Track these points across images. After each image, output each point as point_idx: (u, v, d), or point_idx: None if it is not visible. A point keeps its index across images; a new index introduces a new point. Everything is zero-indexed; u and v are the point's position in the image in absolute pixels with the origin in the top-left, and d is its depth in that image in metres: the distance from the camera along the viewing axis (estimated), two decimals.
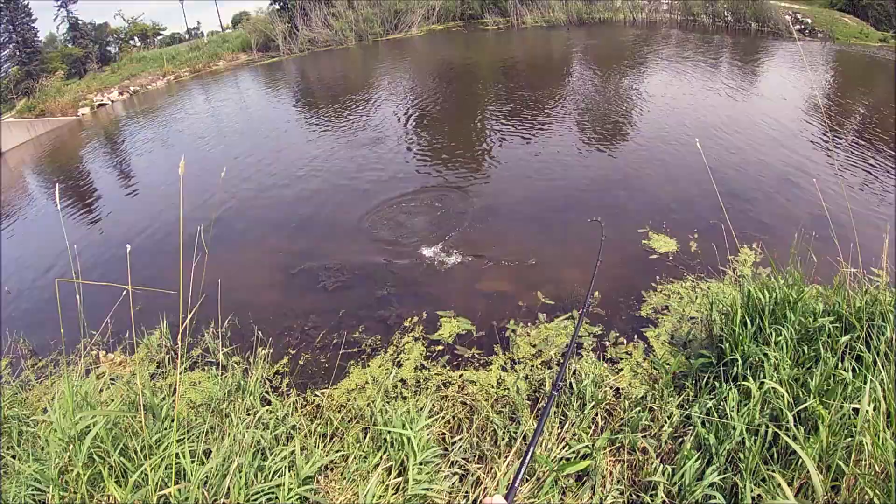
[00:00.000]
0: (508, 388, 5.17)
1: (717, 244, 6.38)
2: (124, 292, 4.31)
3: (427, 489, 3.91)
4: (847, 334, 4.55)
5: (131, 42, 37.04)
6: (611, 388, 5.09)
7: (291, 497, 3.77)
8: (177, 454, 3.79)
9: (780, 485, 3.22)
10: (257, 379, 5.12)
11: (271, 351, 5.98)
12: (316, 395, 5.26)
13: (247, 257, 8.28)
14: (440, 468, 4.17)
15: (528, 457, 2.30)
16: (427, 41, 26.76)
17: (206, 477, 3.73)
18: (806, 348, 4.56)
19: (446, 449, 4.40)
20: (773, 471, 3.57)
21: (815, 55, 21.90)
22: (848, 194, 9.28)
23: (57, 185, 4.05)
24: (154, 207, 11.29)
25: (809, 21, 27.79)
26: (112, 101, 22.06)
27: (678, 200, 8.77)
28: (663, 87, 16.56)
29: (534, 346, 5.85)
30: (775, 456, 3.79)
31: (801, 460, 3.54)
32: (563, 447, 4.27)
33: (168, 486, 3.53)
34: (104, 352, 6.10)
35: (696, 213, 7.92)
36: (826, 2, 32.06)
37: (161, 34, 40.07)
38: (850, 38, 26.07)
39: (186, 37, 41.55)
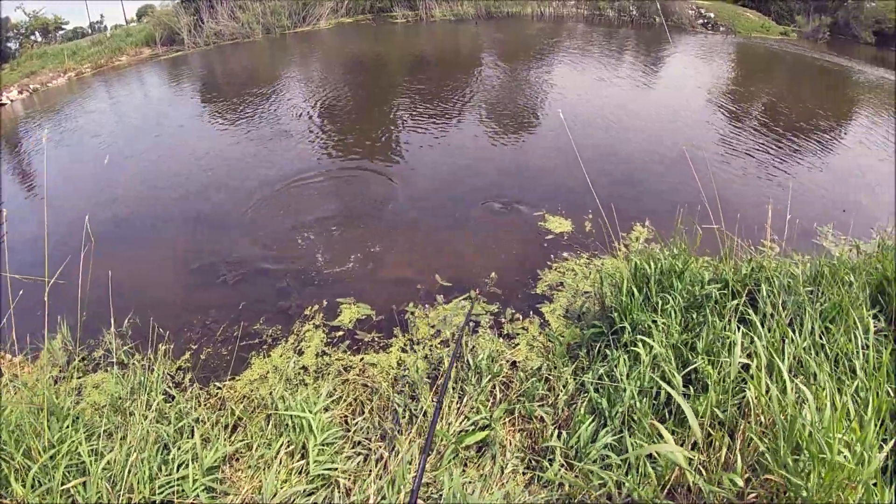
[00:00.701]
0: (408, 369, 5.22)
1: (610, 223, 6.55)
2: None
3: (329, 469, 3.89)
4: (734, 300, 4.73)
5: (32, 37, 35.15)
6: (507, 361, 5.19)
7: (196, 488, 3.73)
8: (78, 452, 3.76)
9: (660, 433, 3.30)
10: (159, 376, 5.00)
11: (172, 347, 5.81)
12: (218, 388, 5.15)
13: (146, 255, 7.97)
14: (343, 449, 4.17)
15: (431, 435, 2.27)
16: (335, 34, 26.50)
17: (110, 473, 3.67)
18: (695, 314, 4.74)
19: (349, 430, 4.40)
20: (654, 420, 3.69)
21: (716, 47, 22.79)
22: (738, 175, 9.76)
23: None
24: (50, 207, 10.75)
25: (712, 16, 28.88)
26: (11, 101, 20.88)
27: (576, 184, 8.94)
28: (567, 78, 16.87)
29: (432, 326, 5.90)
30: (668, 416, 3.93)
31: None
32: (463, 420, 4.32)
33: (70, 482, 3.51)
34: (2, 353, 5.79)
35: (592, 194, 8.16)
36: None
37: (63, 28, 38.07)
38: (751, 31, 27.23)
39: (89, 31, 39.67)
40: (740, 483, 3.19)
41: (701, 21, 28.42)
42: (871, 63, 22.16)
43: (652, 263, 5.17)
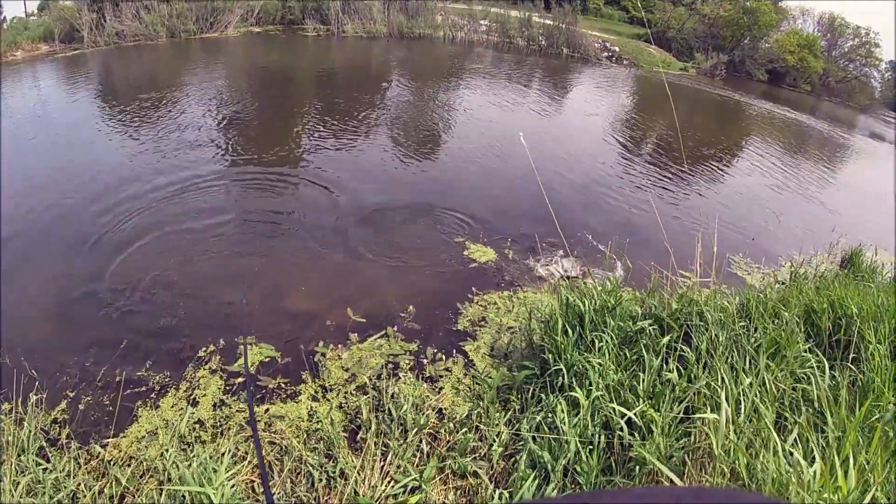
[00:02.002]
0: (321, 421, 4.59)
1: (532, 253, 6.26)
2: None
3: None
4: (666, 335, 4.51)
5: None
6: (433, 409, 4.70)
7: None
8: None
9: None
10: (31, 431, 4.25)
11: (46, 395, 4.92)
12: (100, 449, 4.36)
13: (14, 282, 6.91)
14: None
15: None
16: (244, 43, 25.63)
17: None
18: (627, 352, 4.51)
19: (258, 500, 3.79)
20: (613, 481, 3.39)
21: (619, 79, 23.44)
22: (654, 205, 9.76)
23: None
24: None
25: (617, 49, 29.94)
26: None
27: (495, 210, 8.75)
28: (476, 102, 16.86)
29: (346, 369, 5.30)
30: (614, 466, 3.64)
31: (641, 468, 3.46)
32: (389, 482, 3.81)
33: None
34: None
35: (511, 222, 7.88)
36: (633, 34, 34.91)
37: None
38: (653, 65, 28.29)
39: None
40: None
41: (606, 54, 29.36)
42: (762, 98, 23.39)
43: (585, 300, 4.86)
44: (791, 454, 3.12)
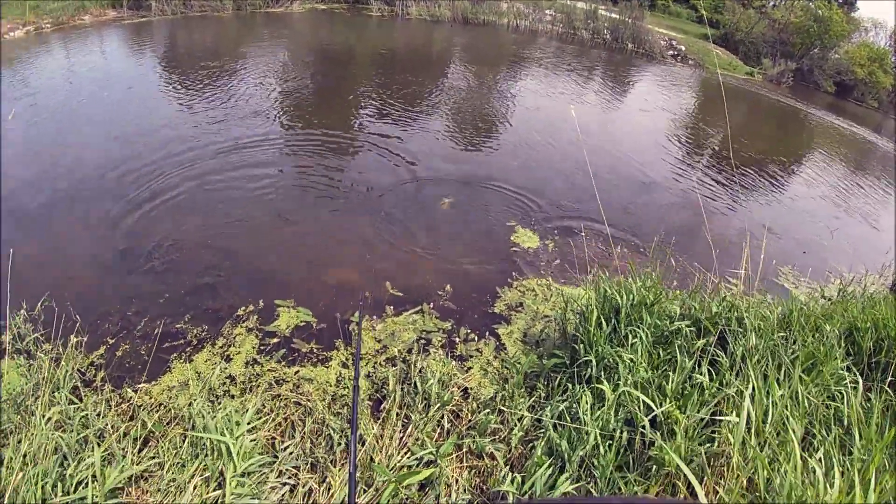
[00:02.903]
0: (348, 388, 4.68)
1: (576, 245, 6.21)
2: None
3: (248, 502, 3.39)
4: (703, 338, 4.43)
5: None
6: (458, 387, 4.74)
7: None
8: None
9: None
10: (67, 371, 4.41)
11: (87, 339, 5.11)
12: (132, 393, 4.51)
13: (68, 230, 7.11)
14: (267, 478, 3.65)
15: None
16: (308, 19, 25.77)
17: None
18: (661, 351, 4.42)
19: (276, 456, 3.86)
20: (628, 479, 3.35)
21: (683, 79, 22.96)
22: (704, 207, 9.58)
23: None
24: None
25: (683, 48, 29.28)
26: None
27: (542, 198, 8.69)
28: (535, 92, 16.70)
29: (379, 341, 5.38)
30: (631, 463, 3.60)
31: (659, 468, 3.41)
32: (406, 454, 3.85)
33: None
34: None
35: (558, 211, 7.82)
36: (701, 34, 34.08)
37: None
38: (718, 68, 27.63)
39: None
40: None
41: (671, 52, 28.75)
42: (827, 109, 22.67)
43: (624, 294, 4.79)
44: (813, 471, 3.05)
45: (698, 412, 3.65)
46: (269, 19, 25.15)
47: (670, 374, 4.07)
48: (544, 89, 17.24)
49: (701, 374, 4.00)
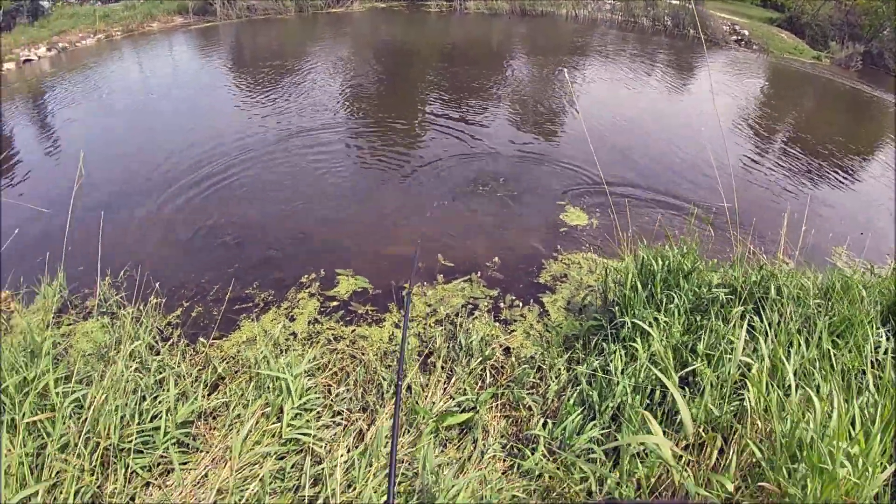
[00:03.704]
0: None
1: (623, 222, 6.41)
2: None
3: (304, 434, 3.78)
4: (740, 306, 4.57)
5: None
6: (500, 346, 5.04)
7: (167, 440, 3.64)
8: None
9: (650, 420, 3.18)
10: (147, 327, 4.91)
11: (164, 301, 5.70)
12: (205, 346, 5.02)
13: (152, 212, 7.78)
14: (321, 416, 4.06)
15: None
16: (368, 17, 26.31)
17: (82, 415, 3.58)
18: (699, 318, 4.58)
19: (331, 399, 4.27)
20: (644, 409, 3.57)
21: (747, 64, 22.51)
22: (758, 188, 9.61)
23: None
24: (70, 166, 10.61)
25: (746, 33, 28.54)
26: (39, 58, 20.81)
27: (599, 179, 8.84)
28: (595, 80, 16.74)
29: (429, 305, 5.76)
30: (659, 417, 3.75)
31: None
32: (448, 400, 4.19)
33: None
34: None
35: (613, 191, 8.02)
36: (765, 18, 33.11)
37: None
38: (784, 52, 26.86)
39: None
40: (730, 487, 3.05)
41: (735, 37, 28.09)
42: None
43: (660, 260, 5.00)
44: (829, 416, 3.20)
45: (728, 368, 3.80)
46: (331, 19, 25.78)
47: (703, 335, 4.26)
48: (606, 76, 17.25)
49: (736, 338, 4.06)
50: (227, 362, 4.76)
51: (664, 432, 3.53)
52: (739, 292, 4.76)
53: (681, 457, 3.40)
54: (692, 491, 3.03)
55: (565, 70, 9.57)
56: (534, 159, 10.05)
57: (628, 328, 4.53)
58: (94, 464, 3.40)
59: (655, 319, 4.47)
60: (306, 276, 6.23)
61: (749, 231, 6.54)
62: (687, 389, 3.94)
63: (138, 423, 3.67)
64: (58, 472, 3.29)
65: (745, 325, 4.10)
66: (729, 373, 3.78)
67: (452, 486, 3.32)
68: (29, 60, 20.70)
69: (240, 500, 3.31)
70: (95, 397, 3.66)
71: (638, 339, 4.27)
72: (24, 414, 3.45)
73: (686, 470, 3.29)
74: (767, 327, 4.29)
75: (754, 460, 3.28)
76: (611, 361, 4.24)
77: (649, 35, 26.51)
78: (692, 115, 14.08)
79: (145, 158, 9.44)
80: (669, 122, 13.35)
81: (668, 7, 28.88)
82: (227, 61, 17.53)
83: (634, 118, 13.09)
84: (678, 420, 3.57)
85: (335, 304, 5.76)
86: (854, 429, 3.12)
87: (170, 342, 5.03)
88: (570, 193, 8.54)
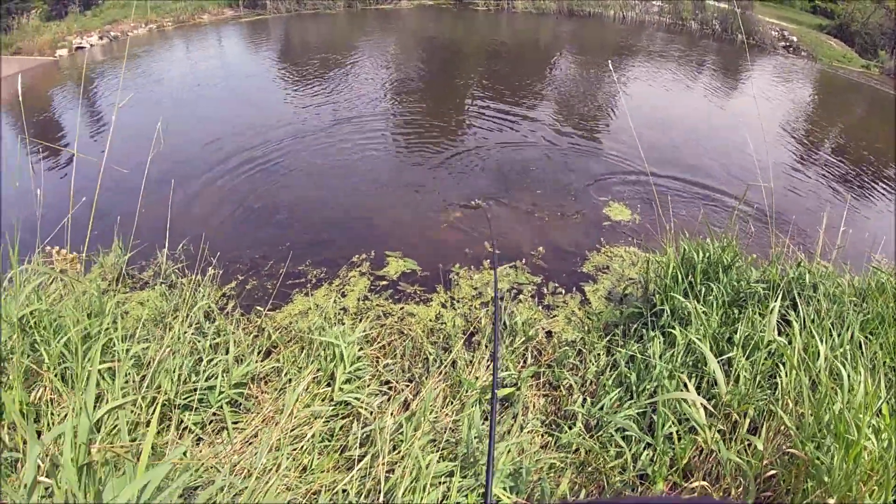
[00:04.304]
0: (445, 323, 5.33)
1: (665, 217, 6.53)
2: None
3: (354, 397, 4.00)
4: (777, 301, 4.67)
5: None
6: (542, 329, 5.23)
7: (221, 398, 3.87)
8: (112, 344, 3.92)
9: (686, 384, 3.34)
10: (203, 296, 5.18)
11: (221, 272, 6.02)
12: (258, 317, 5.30)
13: (215, 195, 8.17)
14: (369, 384, 4.28)
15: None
16: (415, 14, 26.57)
17: (141, 372, 3.81)
18: (737, 311, 4.70)
19: (378, 369, 4.51)
20: (682, 373, 3.72)
21: (795, 71, 22.25)
22: (801, 194, 9.63)
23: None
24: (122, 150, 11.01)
25: (795, 39, 28.16)
26: (91, 45, 21.37)
27: (643, 175, 8.95)
28: (644, 80, 16.79)
29: (475, 288, 6.00)
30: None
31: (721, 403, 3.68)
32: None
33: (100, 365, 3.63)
34: (58, 248, 5.98)
35: (657, 186, 8.13)
36: (815, 24, 32.59)
37: None
38: (832, 60, 26.45)
39: None
40: (760, 446, 3.20)
41: (783, 43, 27.74)
42: None
43: (701, 252, 5.15)
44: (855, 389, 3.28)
45: (762, 362, 3.93)
46: (379, 15, 26.10)
47: (739, 326, 4.39)
48: (651, 77, 17.27)
49: (770, 327, 4.18)
50: (280, 332, 5.00)
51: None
52: (776, 288, 4.86)
53: (712, 426, 3.54)
54: (724, 458, 3.20)
55: (611, 69, 9.62)
56: (578, 154, 10.24)
57: (667, 316, 4.69)
58: (150, 416, 3.58)
59: (694, 309, 4.61)
60: (357, 256, 6.52)
61: (787, 230, 6.63)
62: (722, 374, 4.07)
63: (194, 382, 3.91)
64: (115, 422, 3.43)
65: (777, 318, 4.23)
66: (762, 360, 3.91)
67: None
68: (81, 48, 21.31)
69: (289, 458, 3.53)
70: (155, 355, 3.90)
71: (676, 327, 4.41)
72: (90, 361, 3.67)
73: (718, 437, 3.44)
74: (802, 322, 4.38)
75: (784, 429, 3.41)
76: (649, 346, 4.39)
77: (697, 38, 26.33)
78: (738, 118, 14.04)
79: (199, 140, 9.87)
80: (714, 124, 13.40)
81: (717, 11, 28.61)
82: (277, 54, 17.94)
83: (679, 118, 13.17)
84: (711, 404, 3.70)
85: (384, 283, 6.04)
86: (882, 410, 3.23)
87: (225, 312, 5.32)
88: (613, 188, 8.70)
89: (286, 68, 15.70)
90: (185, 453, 3.43)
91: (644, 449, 3.61)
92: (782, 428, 3.42)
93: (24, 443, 3.08)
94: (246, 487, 3.05)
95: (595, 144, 10.83)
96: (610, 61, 9.79)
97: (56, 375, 3.63)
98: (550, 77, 16.29)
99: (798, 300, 4.71)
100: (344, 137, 10.23)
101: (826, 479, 2.92)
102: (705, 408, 3.52)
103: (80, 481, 2.24)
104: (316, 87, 13.50)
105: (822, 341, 3.86)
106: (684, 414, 3.62)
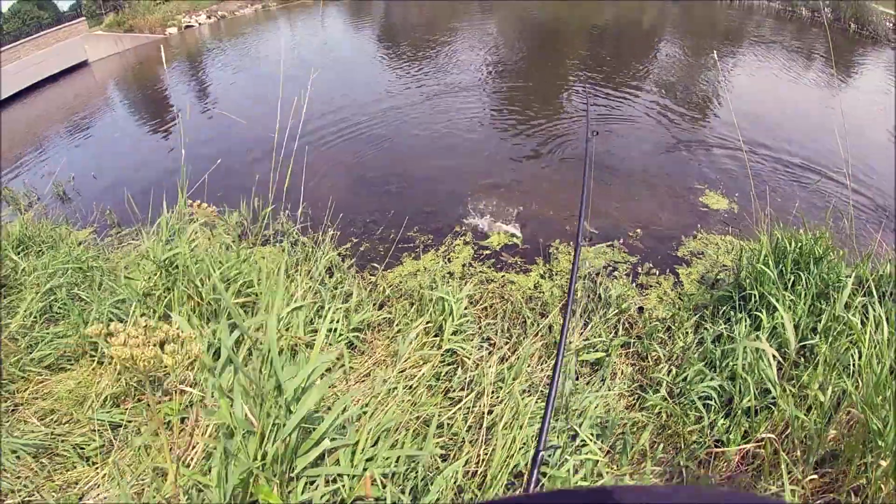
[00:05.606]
0: (543, 292, 5.77)
1: (763, 207, 6.66)
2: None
3: (460, 346, 4.48)
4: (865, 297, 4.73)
5: None
6: (635, 304, 5.58)
7: (341, 339, 4.42)
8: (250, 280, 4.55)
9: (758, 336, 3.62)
10: (323, 253, 5.74)
11: (338, 234, 6.66)
12: (372, 275, 5.93)
13: (327, 164, 8.92)
14: (473, 339, 4.74)
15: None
16: None
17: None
18: (824, 304, 4.84)
19: (480, 327, 5.00)
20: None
21: None
22: None
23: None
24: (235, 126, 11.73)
25: None
26: (199, 24, 22.56)
27: (739, 170, 9.01)
28: (750, 67, 16.55)
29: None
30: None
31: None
32: (584, 343, 4.79)
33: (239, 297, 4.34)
34: (198, 202, 6.65)
35: (757, 179, 8.21)
36: None
37: None
38: None
39: None
40: (822, 398, 3.50)
41: None
42: None
43: (793, 241, 5.31)
44: None
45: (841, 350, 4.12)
46: None
47: (824, 317, 4.56)
48: (758, 64, 16.94)
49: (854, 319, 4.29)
50: (392, 288, 5.59)
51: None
52: (866, 283, 4.98)
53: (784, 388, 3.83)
54: (791, 414, 3.48)
55: (716, 55, 9.62)
56: (679, 141, 10.36)
57: (755, 300, 4.94)
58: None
59: (783, 294, 4.82)
60: (459, 226, 7.07)
61: (883, 227, 6.67)
62: (803, 360, 4.31)
63: (319, 323, 4.42)
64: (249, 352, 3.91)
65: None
66: (843, 348, 4.12)
67: (585, 398, 3.95)
68: (190, 26, 22.51)
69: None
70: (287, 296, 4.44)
71: (763, 310, 4.67)
72: (232, 295, 4.31)
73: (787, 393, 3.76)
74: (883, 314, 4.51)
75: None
76: (736, 327, 4.67)
77: (807, 26, 25.32)
78: (848, 112, 13.64)
79: (317, 111, 10.60)
80: (822, 116, 13.05)
81: None
82: (379, 33, 18.48)
83: (785, 108, 12.91)
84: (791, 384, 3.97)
85: (487, 252, 6.54)
86: None
87: (341, 270, 5.92)
88: (713, 177, 8.81)
89: (388, 49, 16.34)
90: None
91: (722, 419, 3.93)
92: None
93: None
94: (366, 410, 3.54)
95: (697, 131, 10.90)
96: (716, 55, 9.72)
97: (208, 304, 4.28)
98: (658, 64, 16.20)
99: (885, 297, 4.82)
100: (452, 118, 10.81)
101: (881, 443, 3.14)
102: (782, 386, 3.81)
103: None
104: (419, 67, 14.10)
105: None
106: (764, 387, 3.91)
